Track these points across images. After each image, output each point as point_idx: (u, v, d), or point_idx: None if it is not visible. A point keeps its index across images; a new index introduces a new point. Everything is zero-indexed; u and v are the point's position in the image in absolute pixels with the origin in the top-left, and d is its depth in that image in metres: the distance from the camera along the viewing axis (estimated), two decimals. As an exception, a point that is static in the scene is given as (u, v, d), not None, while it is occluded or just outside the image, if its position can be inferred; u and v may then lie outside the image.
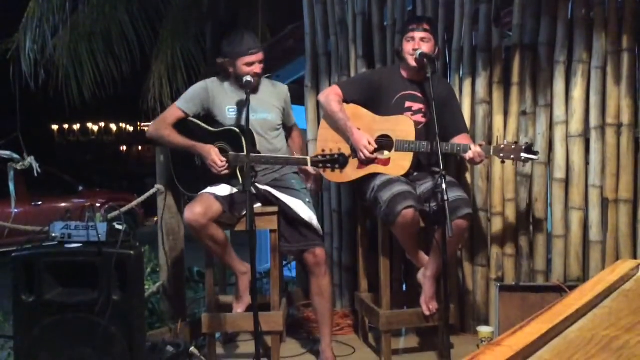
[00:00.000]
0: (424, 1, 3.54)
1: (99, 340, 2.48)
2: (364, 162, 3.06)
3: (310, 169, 2.99)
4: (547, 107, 3.33)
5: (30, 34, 5.28)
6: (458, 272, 3.49)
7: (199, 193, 2.91)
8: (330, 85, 3.70)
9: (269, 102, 3.09)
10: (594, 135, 3.24)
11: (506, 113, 3.42)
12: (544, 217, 3.38)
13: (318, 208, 3.78)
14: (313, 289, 3.04)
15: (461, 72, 3.51)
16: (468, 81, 3.46)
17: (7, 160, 3.34)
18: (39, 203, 8.58)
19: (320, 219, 3.75)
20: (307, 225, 2.95)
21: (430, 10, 3.51)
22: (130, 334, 2.53)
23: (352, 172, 3.10)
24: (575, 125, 3.26)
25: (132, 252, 2.57)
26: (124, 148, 25.25)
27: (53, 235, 2.60)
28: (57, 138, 23.31)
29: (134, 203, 3.69)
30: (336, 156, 2.79)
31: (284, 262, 3.93)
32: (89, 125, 23.91)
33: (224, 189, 2.91)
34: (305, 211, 2.95)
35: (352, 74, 3.69)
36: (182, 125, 3.03)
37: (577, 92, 3.25)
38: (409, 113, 3.10)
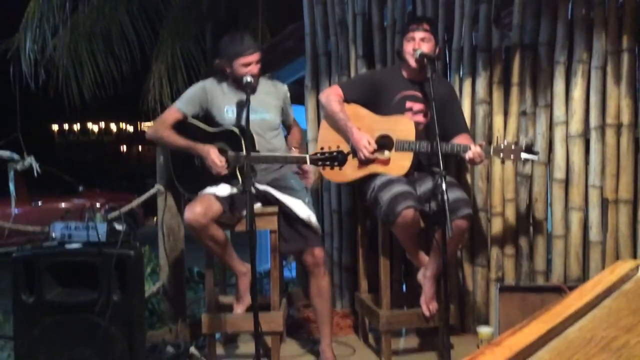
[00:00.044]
0: (423, 1, 3.54)
1: (98, 340, 2.49)
2: (364, 162, 3.06)
3: (307, 167, 2.99)
4: (547, 107, 3.33)
5: (30, 34, 5.29)
6: (458, 273, 3.49)
7: (199, 193, 2.91)
8: (330, 85, 3.70)
9: (268, 101, 3.09)
10: (594, 136, 3.24)
11: (506, 113, 3.42)
12: (544, 218, 3.38)
13: (318, 208, 3.79)
14: (312, 289, 3.04)
15: (461, 72, 3.51)
16: (468, 81, 3.47)
17: (7, 161, 3.34)
18: (39, 203, 8.59)
19: (320, 219, 3.75)
20: (306, 225, 2.95)
21: (430, 10, 3.51)
22: (130, 334, 2.54)
23: (352, 172, 3.10)
24: (575, 126, 3.26)
25: (132, 253, 2.57)
26: (124, 148, 25.28)
27: (53, 235, 2.60)
28: (57, 138, 23.34)
29: (134, 203, 3.69)
30: (335, 153, 2.79)
31: (284, 263, 3.93)
32: (89, 125, 23.94)
33: (224, 189, 2.91)
34: (304, 211, 2.95)
35: (352, 74, 3.69)
36: (182, 126, 3.03)
37: (577, 92, 3.26)
38: (410, 113, 3.10)
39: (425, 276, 3.06)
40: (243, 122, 2.92)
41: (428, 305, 3.04)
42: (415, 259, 3.13)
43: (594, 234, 3.24)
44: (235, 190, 2.92)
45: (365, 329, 3.50)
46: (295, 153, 3.17)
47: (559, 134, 3.31)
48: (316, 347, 3.21)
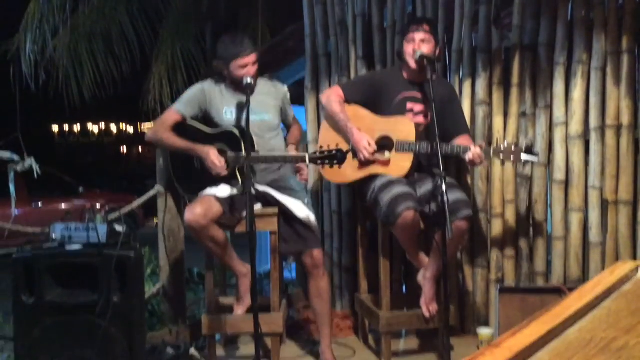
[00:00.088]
0: (423, 2, 3.54)
1: (99, 341, 2.49)
2: (364, 163, 3.06)
3: (304, 166, 3.00)
4: (546, 108, 3.33)
5: (30, 35, 5.30)
6: (458, 274, 3.49)
7: (199, 194, 2.92)
8: (330, 86, 3.70)
9: (266, 102, 3.09)
10: (593, 137, 3.24)
11: (506, 114, 3.42)
12: (544, 219, 3.38)
13: (318, 209, 3.79)
14: (311, 291, 3.04)
15: (461, 73, 3.51)
16: (468, 82, 3.47)
17: (7, 162, 3.34)
18: (39, 204, 8.59)
19: (320, 220, 3.76)
20: (306, 226, 2.95)
21: (430, 11, 3.52)
22: (130, 335, 2.54)
23: (352, 173, 3.10)
24: (575, 127, 3.26)
25: (132, 254, 2.57)
26: (124, 149, 25.28)
27: (53, 236, 2.60)
28: (57, 139, 23.35)
29: (134, 204, 3.69)
30: (334, 152, 2.79)
31: (284, 264, 3.93)
32: (89, 126, 23.95)
33: (224, 190, 2.91)
34: (303, 211, 2.95)
35: (352, 75, 3.69)
36: (181, 128, 3.03)
37: (577, 93, 3.26)
38: (411, 114, 3.10)
39: (425, 277, 3.06)
40: (242, 123, 2.92)
41: (428, 306, 3.04)
42: (416, 260, 3.13)
43: (594, 235, 3.24)
44: (235, 191, 2.92)
45: (365, 330, 3.50)
46: (292, 150, 3.18)
47: (558, 135, 3.31)
48: (316, 348, 3.21)
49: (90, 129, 24.07)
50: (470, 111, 3.45)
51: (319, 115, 3.79)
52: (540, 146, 3.32)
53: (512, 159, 2.91)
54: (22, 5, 5.42)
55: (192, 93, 3.09)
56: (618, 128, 3.21)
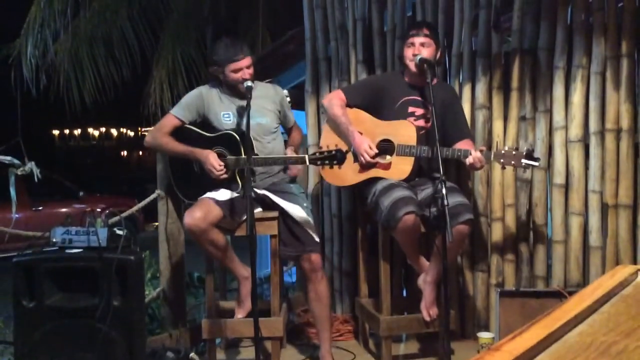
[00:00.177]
0: (423, 6, 3.55)
1: (99, 345, 2.49)
2: (365, 166, 3.06)
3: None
4: (546, 112, 3.34)
5: (31, 39, 5.31)
6: (458, 278, 3.49)
7: (199, 198, 2.92)
8: (330, 90, 3.71)
9: (264, 106, 3.09)
10: (593, 141, 3.25)
11: (506, 118, 3.42)
12: (544, 223, 3.38)
13: (318, 212, 3.79)
14: (310, 294, 3.04)
15: (461, 78, 3.51)
16: (468, 86, 3.47)
17: (7, 166, 3.34)
18: (40, 208, 8.59)
19: (321, 224, 3.76)
20: (304, 229, 2.95)
21: (429, 15, 3.52)
22: (131, 339, 2.53)
23: (353, 176, 3.11)
24: (575, 131, 3.27)
25: (132, 258, 2.57)
26: (125, 153, 25.30)
27: (54, 240, 2.60)
28: (57, 143, 23.37)
29: (135, 208, 3.69)
30: (333, 152, 2.79)
31: (284, 268, 3.93)
32: (90, 130, 23.97)
33: (223, 194, 2.91)
34: (302, 215, 2.95)
35: (353, 79, 3.70)
36: (180, 133, 3.04)
37: (577, 97, 3.26)
38: (412, 118, 3.11)
39: (425, 281, 3.06)
40: (240, 127, 2.93)
41: (428, 310, 3.03)
42: (416, 264, 3.13)
43: (594, 239, 3.24)
44: (235, 194, 2.93)
45: (366, 334, 3.50)
46: (291, 153, 3.18)
47: (558, 139, 3.31)
48: (316, 352, 3.21)
49: (91, 133, 24.10)
50: (470, 115, 3.45)
51: (319, 119, 3.79)
52: (540, 150, 3.32)
53: (513, 163, 2.91)
54: (23, 10, 5.43)
55: (190, 98, 3.10)
56: (618, 132, 3.21)
